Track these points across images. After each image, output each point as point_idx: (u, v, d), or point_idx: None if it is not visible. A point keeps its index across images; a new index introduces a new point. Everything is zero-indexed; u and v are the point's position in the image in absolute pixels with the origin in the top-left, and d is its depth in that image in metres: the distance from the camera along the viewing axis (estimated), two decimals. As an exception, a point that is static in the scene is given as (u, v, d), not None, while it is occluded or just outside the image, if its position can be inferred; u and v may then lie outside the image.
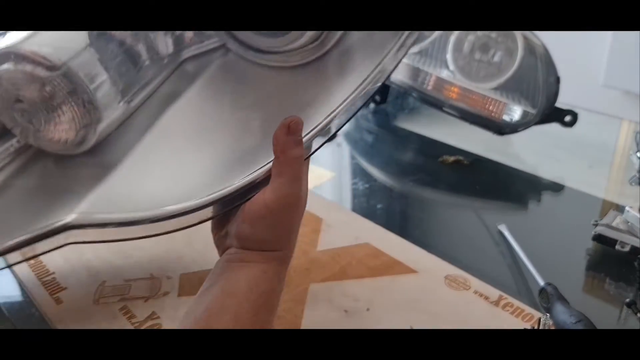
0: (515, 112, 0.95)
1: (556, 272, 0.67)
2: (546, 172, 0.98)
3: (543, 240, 0.78)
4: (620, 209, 0.77)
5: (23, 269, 0.69)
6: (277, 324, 0.60)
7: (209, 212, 0.49)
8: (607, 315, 0.64)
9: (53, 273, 0.69)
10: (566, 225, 0.83)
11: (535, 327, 0.52)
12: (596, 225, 0.73)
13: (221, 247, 0.51)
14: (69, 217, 0.50)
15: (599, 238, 0.72)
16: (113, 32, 0.53)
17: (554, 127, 0.97)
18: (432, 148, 1.08)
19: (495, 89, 0.96)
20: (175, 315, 0.62)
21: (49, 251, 0.53)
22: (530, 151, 1.07)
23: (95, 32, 0.52)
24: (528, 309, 0.61)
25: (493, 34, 0.96)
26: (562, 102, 0.95)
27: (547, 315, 0.49)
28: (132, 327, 0.60)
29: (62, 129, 0.51)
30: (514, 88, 0.95)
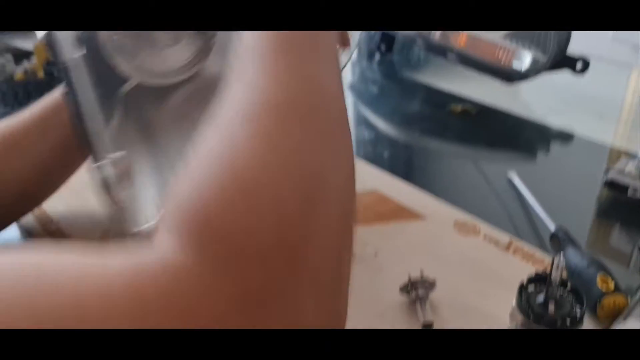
0: (525, 59, 0.92)
1: (566, 219, 0.66)
2: (555, 121, 0.96)
3: (552, 189, 0.77)
4: (631, 155, 0.76)
5: (28, 219, 0.68)
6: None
7: None
8: (619, 259, 0.63)
9: (58, 222, 0.68)
10: (576, 173, 0.82)
11: (548, 271, 0.51)
12: (608, 171, 0.72)
13: None
14: None
15: (610, 184, 0.71)
16: None
17: (563, 79, 0.94)
18: (439, 98, 1.06)
19: (505, 35, 0.94)
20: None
21: None
22: (539, 102, 1.05)
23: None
24: (538, 254, 0.61)
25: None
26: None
27: (561, 254, 0.48)
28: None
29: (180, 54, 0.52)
30: (524, 34, 0.92)
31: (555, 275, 0.49)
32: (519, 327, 0.50)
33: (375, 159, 0.83)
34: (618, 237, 0.67)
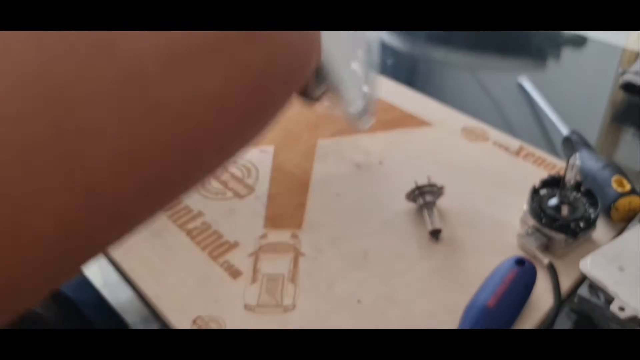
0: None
1: (578, 124, 0.63)
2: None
3: (564, 93, 0.73)
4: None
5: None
6: (287, 179, 0.57)
7: None
8: (633, 163, 0.60)
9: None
10: (588, 77, 0.78)
11: (561, 174, 0.49)
12: (624, 73, 0.68)
13: None
14: None
15: (627, 86, 0.67)
16: None
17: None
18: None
19: None
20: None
21: None
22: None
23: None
24: (550, 158, 0.58)
25: None
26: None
27: (576, 154, 0.46)
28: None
29: None
30: None
31: (570, 177, 0.47)
32: (529, 232, 0.48)
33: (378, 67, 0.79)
34: (632, 141, 0.64)
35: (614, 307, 0.39)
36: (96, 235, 0.17)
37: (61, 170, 0.14)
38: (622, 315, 0.39)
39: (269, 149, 0.61)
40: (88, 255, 0.17)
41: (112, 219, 0.17)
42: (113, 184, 0.15)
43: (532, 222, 0.48)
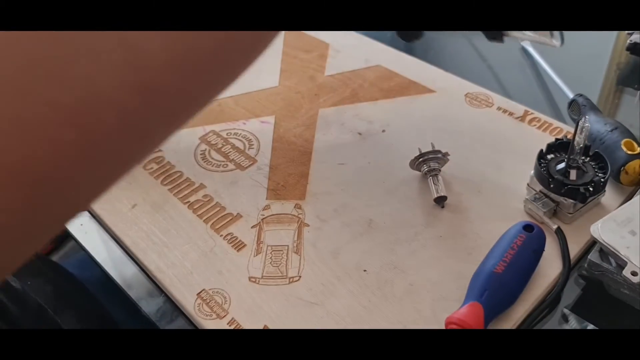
0: None
1: (584, 87, 0.61)
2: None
3: (568, 57, 0.72)
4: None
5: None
6: (289, 149, 0.56)
7: None
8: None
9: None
10: (591, 39, 0.77)
11: (569, 137, 0.48)
12: (631, 34, 0.67)
13: None
14: None
15: (633, 48, 0.66)
16: None
17: None
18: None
19: None
20: (177, 147, 0.58)
21: None
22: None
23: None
24: (556, 123, 0.57)
25: None
26: None
27: (585, 118, 0.45)
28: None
29: None
30: None
31: (579, 140, 0.46)
32: (537, 197, 0.47)
33: (377, 34, 0.78)
34: (638, 104, 0.63)
35: (626, 272, 0.39)
36: (150, 132, 0.19)
37: (120, 61, 0.16)
38: (635, 279, 0.38)
39: (270, 119, 0.60)
40: (140, 153, 0.19)
41: (163, 115, 0.18)
42: (166, 82, 0.17)
43: (539, 187, 0.47)
